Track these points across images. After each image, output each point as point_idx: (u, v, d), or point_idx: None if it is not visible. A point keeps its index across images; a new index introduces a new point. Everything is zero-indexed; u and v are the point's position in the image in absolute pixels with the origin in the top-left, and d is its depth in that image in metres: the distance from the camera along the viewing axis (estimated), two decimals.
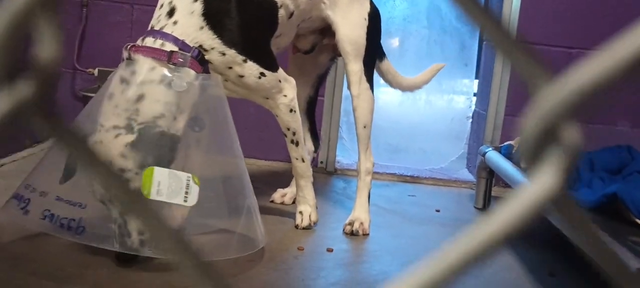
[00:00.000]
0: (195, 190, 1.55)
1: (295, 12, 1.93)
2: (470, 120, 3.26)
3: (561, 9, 2.84)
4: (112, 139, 1.51)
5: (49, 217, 1.54)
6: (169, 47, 1.62)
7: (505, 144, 2.55)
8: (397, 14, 3.27)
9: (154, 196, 1.50)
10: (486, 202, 2.59)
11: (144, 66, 1.58)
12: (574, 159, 0.25)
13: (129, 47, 1.62)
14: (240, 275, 1.62)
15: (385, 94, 3.27)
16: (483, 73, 3.12)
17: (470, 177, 3.06)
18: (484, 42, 3.13)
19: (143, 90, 1.56)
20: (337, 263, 1.80)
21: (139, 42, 1.65)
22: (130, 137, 1.51)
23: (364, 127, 2.12)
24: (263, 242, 1.68)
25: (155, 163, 1.52)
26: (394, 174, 3.02)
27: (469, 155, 3.23)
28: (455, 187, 2.98)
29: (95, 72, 2.85)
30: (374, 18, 2.13)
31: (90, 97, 2.62)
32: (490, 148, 2.56)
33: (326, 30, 2.13)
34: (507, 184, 2.43)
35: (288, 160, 2.12)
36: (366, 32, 2.08)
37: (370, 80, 2.12)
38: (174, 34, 1.65)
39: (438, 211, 2.49)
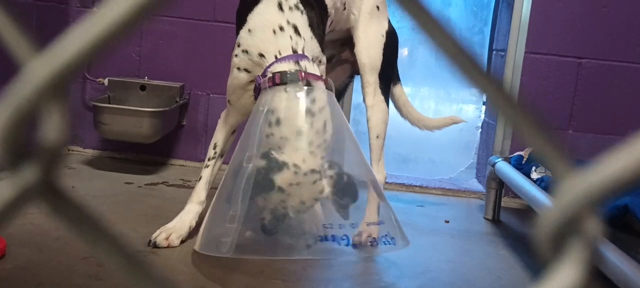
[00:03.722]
0: None
1: (334, 21, 1.95)
2: (480, 130, 3.25)
3: (570, 19, 2.83)
4: (310, 185, 1.60)
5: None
6: (317, 69, 1.71)
7: (515, 154, 2.53)
8: (406, 24, 3.27)
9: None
10: (496, 213, 2.57)
11: (324, 91, 1.67)
12: (595, 253, 0.24)
13: (303, 74, 1.65)
14: (248, 287, 1.61)
15: None
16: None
17: (479, 187, 3.05)
18: (494, 51, 3.12)
19: (325, 117, 1.64)
20: (345, 275, 1.80)
21: (295, 67, 1.66)
22: (326, 187, 1.63)
23: (377, 137, 2.12)
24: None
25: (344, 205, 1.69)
26: (402, 184, 3.01)
27: (479, 166, 3.22)
28: (465, 197, 2.97)
29: (105, 81, 2.86)
30: (391, 37, 2.16)
31: (100, 107, 2.64)
32: (500, 159, 2.54)
33: (345, 43, 2.15)
34: (516, 195, 2.42)
35: None
36: (383, 48, 2.10)
37: (385, 93, 2.13)
38: (309, 55, 1.71)
39: (447, 222, 2.48)
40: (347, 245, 1.69)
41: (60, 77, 0.22)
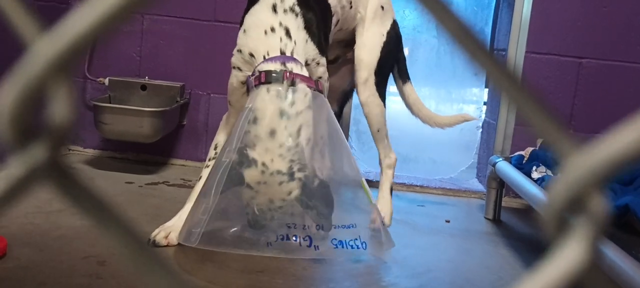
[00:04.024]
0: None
1: (339, 21, 1.96)
2: (480, 129, 3.25)
3: (571, 19, 2.83)
4: (276, 185, 1.61)
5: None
6: (306, 72, 1.71)
7: (516, 154, 2.53)
8: (407, 23, 3.27)
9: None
10: (496, 213, 2.57)
11: (306, 95, 1.67)
12: (601, 230, 0.24)
13: (288, 74, 1.66)
14: (249, 287, 1.61)
15: (395, 103, 3.27)
16: (493, 82, 3.10)
17: (480, 187, 3.05)
18: (494, 51, 3.12)
19: (301, 121, 1.65)
20: (346, 274, 1.80)
21: (281, 67, 1.67)
22: (295, 188, 1.63)
23: (378, 130, 2.15)
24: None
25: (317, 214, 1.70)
26: (403, 184, 3.01)
27: (479, 165, 3.22)
28: (465, 197, 2.97)
29: (106, 81, 2.86)
30: (393, 37, 2.18)
31: (101, 107, 2.64)
32: (501, 159, 2.54)
33: (349, 44, 2.16)
34: (517, 195, 2.41)
35: None
36: (382, 46, 2.12)
37: (380, 90, 2.14)
38: (299, 58, 1.71)
39: (448, 221, 2.48)
40: (309, 246, 1.70)
41: (66, 56, 0.22)
